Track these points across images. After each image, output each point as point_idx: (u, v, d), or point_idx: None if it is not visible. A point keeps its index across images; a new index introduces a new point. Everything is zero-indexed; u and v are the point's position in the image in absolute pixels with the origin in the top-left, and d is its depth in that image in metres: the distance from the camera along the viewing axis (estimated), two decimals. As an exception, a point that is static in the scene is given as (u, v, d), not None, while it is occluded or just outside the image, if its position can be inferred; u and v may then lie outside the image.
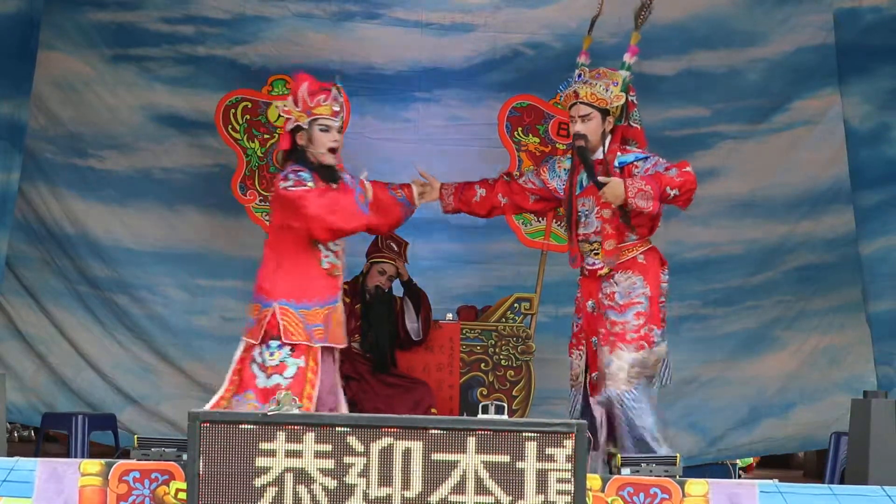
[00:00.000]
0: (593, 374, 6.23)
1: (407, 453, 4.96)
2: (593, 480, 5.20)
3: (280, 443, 4.97)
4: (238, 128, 7.71)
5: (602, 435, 6.12)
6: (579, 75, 6.24)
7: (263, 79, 7.84)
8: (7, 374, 7.81)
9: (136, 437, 5.47)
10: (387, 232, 7.06)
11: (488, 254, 8.37)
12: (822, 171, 8.24)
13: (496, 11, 8.19)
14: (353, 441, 4.98)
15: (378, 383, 7.41)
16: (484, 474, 4.95)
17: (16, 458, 5.43)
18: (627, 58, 6.30)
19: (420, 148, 8.37)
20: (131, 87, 8.29)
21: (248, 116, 7.71)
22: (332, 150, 6.14)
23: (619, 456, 5.74)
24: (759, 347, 8.42)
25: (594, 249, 6.25)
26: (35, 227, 8.31)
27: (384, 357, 7.48)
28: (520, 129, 7.78)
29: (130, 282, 8.39)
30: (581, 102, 6.19)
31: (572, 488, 4.92)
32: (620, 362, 6.09)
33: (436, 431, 4.97)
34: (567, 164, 6.39)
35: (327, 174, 6.15)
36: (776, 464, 9.23)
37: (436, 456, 4.95)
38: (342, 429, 4.98)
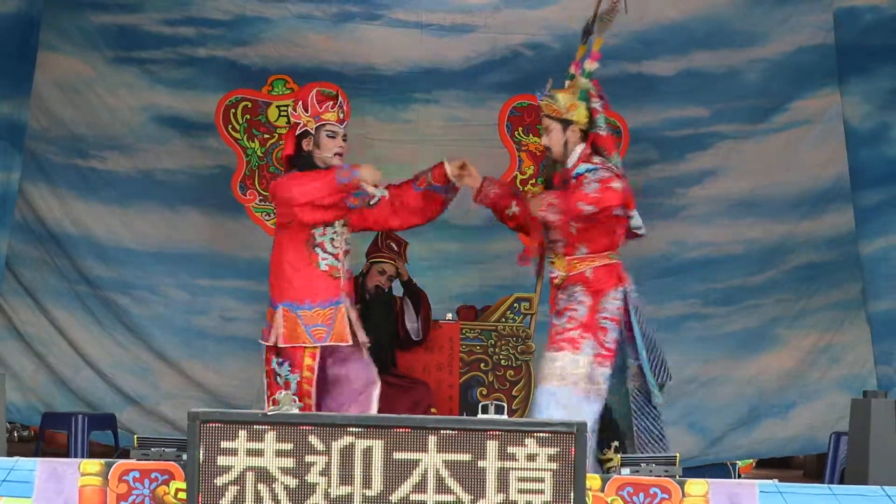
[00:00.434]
0: None
1: (368, 452, 4.96)
2: (593, 480, 5.20)
3: (241, 441, 4.97)
4: (238, 128, 7.72)
5: None
6: (543, 90, 6.28)
7: (264, 80, 7.85)
8: (6, 374, 7.83)
9: (135, 437, 5.47)
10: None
11: (488, 254, 8.37)
12: (822, 171, 8.24)
13: (496, 12, 8.20)
14: (314, 440, 4.98)
15: (378, 383, 7.41)
16: (445, 473, 4.95)
17: (16, 458, 5.43)
18: (588, 64, 6.26)
19: (420, 148, 8.38)
20: (133, 88, 8.31)
21: (248, 116, 7.71)
22: (339, 155, 6.30)
23: (618, 457, 5.75)
24: (759, 346, 8.42)
25: (552, 259, 6.26)
26: (35, 227, 8.32)
27: (384, 357, 7.48)
28: (520, 129, 7.79)
29: (131, 282, 8.40)
30: (544, 115, 6.23)
31: (538, 487, 4.94)
32: (543, 362, 6.12)
33: (397, 430, 4.96)
34: None
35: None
36: (776, 464, 9.22)
37: (397, 455, 4.96)
38: (303, 427, 4.98)
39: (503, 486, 4.94)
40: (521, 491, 4.94)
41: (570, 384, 6.00)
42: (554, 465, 4.94)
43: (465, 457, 4.95)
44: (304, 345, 6.21)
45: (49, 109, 8.25)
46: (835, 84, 7.38)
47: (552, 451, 4.93)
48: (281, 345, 6.20)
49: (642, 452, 5.94)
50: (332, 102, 6.30)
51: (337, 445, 4.96)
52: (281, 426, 4.98)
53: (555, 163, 6.23)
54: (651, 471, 5.35)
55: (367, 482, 4.96)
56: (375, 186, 6.20)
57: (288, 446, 4.97)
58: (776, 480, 5.43)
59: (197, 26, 8.26)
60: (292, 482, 4.97)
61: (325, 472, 4.96)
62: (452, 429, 4.97)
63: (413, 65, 8.34)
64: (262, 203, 7.62)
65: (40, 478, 5.21)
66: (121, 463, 5.23)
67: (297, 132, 6.34)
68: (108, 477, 5.20)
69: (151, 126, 8.38)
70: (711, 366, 8.42)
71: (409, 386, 7.50)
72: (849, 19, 7.00)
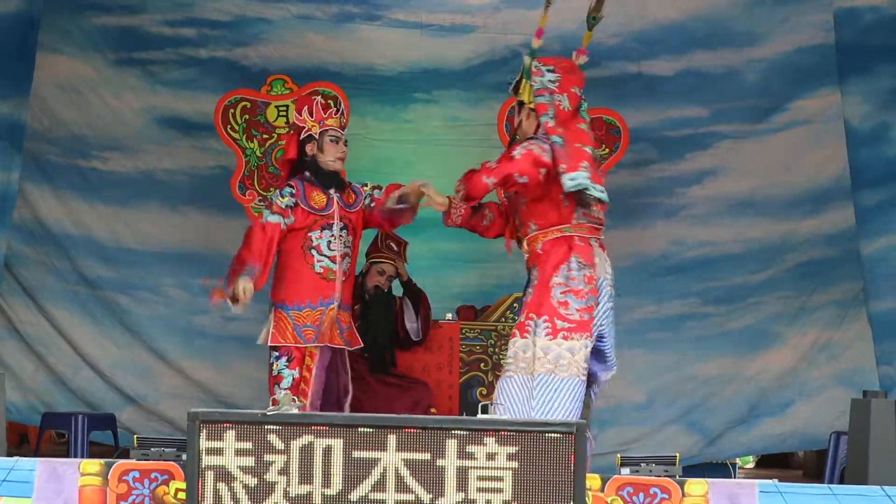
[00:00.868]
0: None
1: (327, 451, 4.97)
2: (593, 480, 5.20)
3: (202, 440, 4.97)
4: (237, 128, 7.72)
5: None
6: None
7: (265, 80, 7.86)
8: (6, 373, 7.83)
9: (135, 436, 5.48)
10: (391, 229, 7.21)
11: (488, 253, 8.35)
12: (822, 170, 8.24)
13: (495, 13, 8.19)
14: (273, 438, 4.98)
15: (377, 383, 7.41)
16: (405, 472, 4.95)
17: (15, 458, 5.43)
18: (534, 42, 6.39)
19: (420, 148, 8.39)
20: (134, 89, 8.32)
21: (247, 116, 7.72)
22: (340, 159, 6.59)
23: (619, 456, 5.75)
24: (759, 344, 8.42)
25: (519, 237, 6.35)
26: (36, 227, 8.32)
27: (383, 357, 7.48)
28: (520, 129, 7.78)
29: (132, 282, 8.41)
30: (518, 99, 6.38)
31: (496, 485, 4.94)
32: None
33: (356, 429, 4.96)
34: None
35: (333, 181, 6.56)
36: (776, 464, 9.23)
37: (357, 454, 4.96)
38: (263, 426, 4.98)
39: (462, 484, 4.94)
40: (480, 490, 4.94)
41: (523, 370, 5.98)
42: (514, 464, 4.94)
43: (425, 456, 4.95)
44: (296, 344, 6.43)
45: (50, 110, 8.26)
46: (834, 84, 7.38)
47: (512, 449, 4.93)
48: (270, 343, 6.44)
49: None
50: (334, 108, 6.58)
51: (296, 444, 4.96)
52: (239, 425, 4.98)
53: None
54: (651, 471, 5.36)
55: (326, 481, 4.96)
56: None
57: (247, 445, 4.97)
58: (776, 480, 5.43)
59: (198, 27, 8.26)
60: (252, 481, 4.98)
61: (285, 470, 4.96)
62: (412, 427, 4.97)
63: (413, 65, 8.34)
64: (262, 203, 7.62)
65: (40, 478, 5.21)
66: (121, 463, 5.24)
67: (302, 137, 6.58)
68: (108, 477, 5.20)
69: (152, 127, 8.38)
70: (711, 364, 8.42)
71: (409, 386, 7.50)
72: (849, 19, 6.99)
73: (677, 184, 8.41)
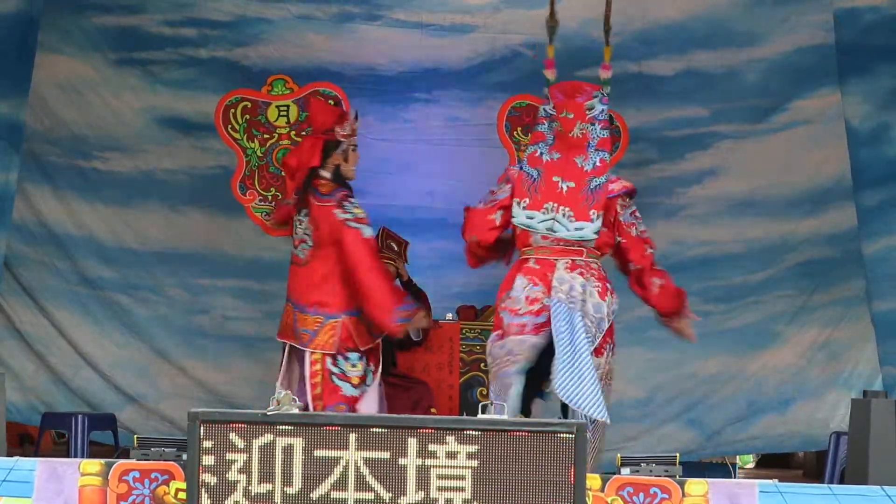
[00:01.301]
0: None
1: (287, 450, 4.96)
2: (593, 480, 5.20)
3: (202, 440, 4.98)
4: (238, 128, 7.72)
5: None
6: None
7: (265, 80, 7.86)
8: (6, 373, 7.83)
9: (135, 436, 5.48)
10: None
11: (487, 253, 8.36)
12: (822, 170, 8.24)
13: (495, 12, 8.19)
14: (234, 437, 4.99)
15: (378, 383, 7.41)
16: (365, 471, 4.97)
17: (16, 458, 5.43)
18: (605, 74, 6.63)
19: (420, 148, 8.39)
20: (135, 89, 8.32)
21: (247, 116, 7.72)
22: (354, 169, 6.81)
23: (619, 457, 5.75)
24: (759, 343, 8.42)
25: None
26: (36, 228, 8.32)
27: (384, 357, 7.47)
28: (519, 128, 7.79)
29: (132, 282, 8.41)
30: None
31: (457, 484, 4.95)
32: None
33: (317, 428, 4.97)
34: None
35: (349, 188, 6.77)
36: (776, 464, 9.23)
37: (318, 452, 4.96)
38: (223, 425, 4.99)
39: (423, 483, 4.95)
40: (441, 489, 4.95)
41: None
42: (474, 463, 4.95)
43: (385, 454, 4.96)
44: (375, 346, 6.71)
45: (51, 110, 8.26)
46: (834, 84, 7.37)
47: (472, 448, 4.94)
48: (362, 349, 6.64)
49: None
50: (353, 117, 6.80)
51: (257, 443, 4.97)
52: (280, 426, 4.99)
53: None
54: (651, 471, 5.35)
55: (287, 480, 4.96)
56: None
57: (208, 444, 4.99)
58: (776, 480, 5.43)
59: (198, 27, 8.26)
60: (212, 480, 5.00)
61: (245, 469, 4.97)
62: (373, 426, 4.98)
63: (413, 65, 8.34)
64: (262, 203, 7.62)
65: (40, 478, 5.22)
66: (121, 463, 5.24)
67: (329, 144, 6.76)
68: (108, 477, 5.21)
69: (153, 127, 8.38)
70: (711, 362, 8.42)
71: (409, 386, 7.49)
72: (849, 19, 6.99)
73: (677, 184, 8.41)
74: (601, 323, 6.25)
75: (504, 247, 6.64)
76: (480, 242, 6.52)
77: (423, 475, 4.96)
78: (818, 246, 8.37)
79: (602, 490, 5.21)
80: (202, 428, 4.96)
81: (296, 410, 5.11)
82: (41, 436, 7.91)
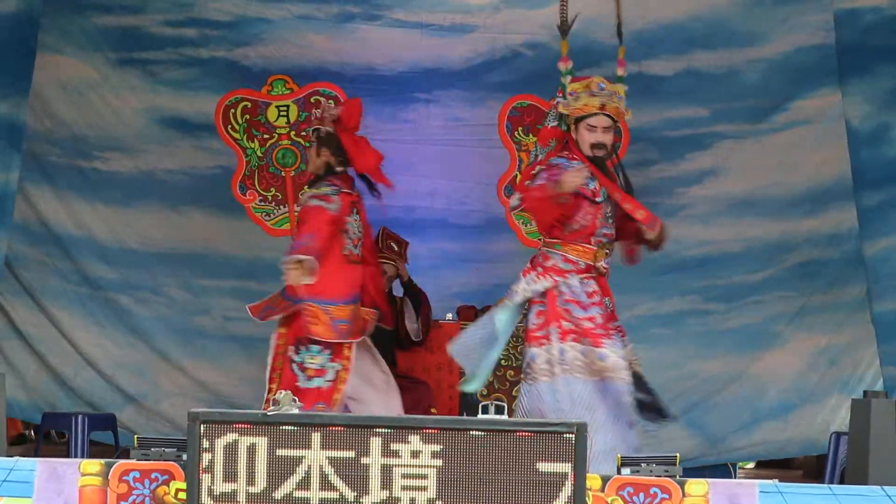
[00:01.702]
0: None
1: (251, 449, 4.97)
2: (593, 480, 5.20)
3: (202, 440, 4.97)
4: (238, 128, 7.72)
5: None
6: (601, 86, 6.42)
7: (265, 80, 7.87)
8: (9, 371, 7.86)
9: (136, 436, 5.48)
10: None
11: (487, 253, 8.37)
12: (822, 170, 8.24)
13: (495, 12, 8.19)
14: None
15: (378, 383, 7.42)
16: (329, 470, 4.96)
17: (16, 458, 5.43)
18: (621, 71, 6.52)
19: (420, 148, 8.39)
20: (135, 89, 8.32)
21: (247, 116, 7.73)
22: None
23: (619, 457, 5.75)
24: (759, 344, 8.42)
25: (608, 251, 6.43)
26: (37, 228, 8.33)
27: (384, 357, 7.47)
28: (520, 128, 7.79)
29: (133, 282, 8.42)
30: (605, 114, 6.39)
31: (420, 483, 4.95)
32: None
33: (280, 427, 4.96)
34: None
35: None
36: (776, 464, 9.22)
37: (280, 451, 4.96)
38: (223, 425, 4.99)
39: (387, 482, 4.95)
40: (404, 488, 4.95)
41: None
42: (438, 462, 4.95)
43: (349, 453, 4.96)
44: (338, 341, 6.64)
45: (51, 111, 8.27)
46: (834, 84, 7.37)
47: (436, 448, 4.94)
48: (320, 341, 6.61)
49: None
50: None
51: (221, 442, 4.97)
52: (280, 426, 4.99)
53: (600, 159, 6.43)
54: (651, 471, 5.35)
55: (250, 479, 4.97)
56: None
57: (209, 444, 4.99)
58: (776, 480, 5.42)
59: (198, 27, 8.27)
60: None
61: (209, 469, 4.98)
62: (336, 425, 4.97)
63: (413, 65, 8.34)
64: (262, 203, 7.63)
65: (40, 478, 5.21)
66: (121, 463, 5.24)
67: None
68: (109, 477, 5.20)
69: (153, 127, 8.39)
70: (712, 363, 8.43)
71: (409, 386, 7.49)
72: (849, 20, 6.99)
73: (678, 184, 8.42)
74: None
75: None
76: None
77: (386, 474, 4.95)
78: (818, 246, 8.37)
79: (602, 490, 5.21)
80: (202, 428, 4.97)
81: (296, 410, 5.11)
82: (41, 435, 7.92)
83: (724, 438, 8.40)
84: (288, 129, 7.70)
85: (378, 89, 8.33)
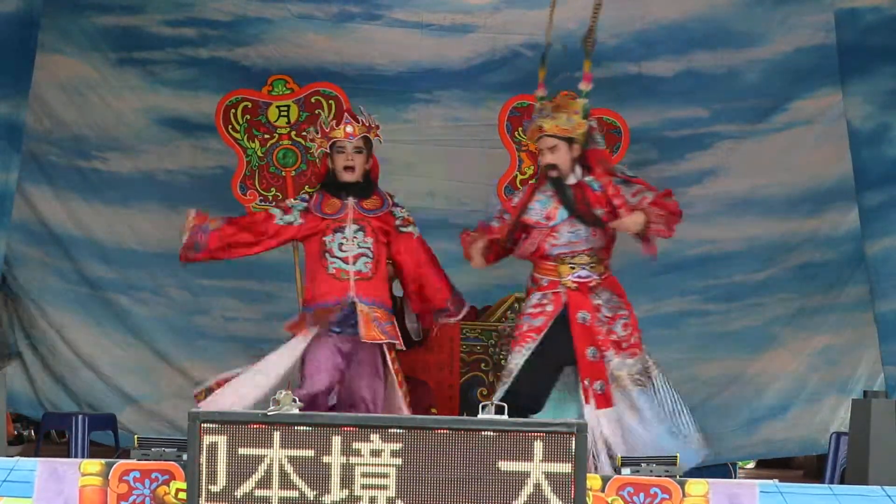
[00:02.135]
0: (596, 383, 6.35)
1: (212, 447, 4.97)
2: (594, 480, 5.20)
3: (202, 440, 4.99)
4: (238, 128, 7.72)
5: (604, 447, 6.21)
6: (541, 110, 6.58)
7: (265, 80, 7.86)
8: (16, 365, 7.88)
9: (136, 437, 5.48)
10: None
11: (488, 254, 8.36)
12: (822, 171, 8.25)
13: (495, 12, 8.18)
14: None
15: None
16: (289, 468, 4.96)
17: (16, 458, 5.44)
18: (584, 86, 6.56)
19: (420, 149, 8.39)
20: (135, 89, 8.32)
21: (248, 116, 7.72)
22: (347, 169, 6.68)
23: (619, 457, 5.75)
24: (759, 345, 8.43)
25: (574, 265, 6.48)
26: (37, 228, 8.33)
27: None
28: (520, 129, 7.78)
29: (133, 282, 8.42)
30: (547, 135, 6.49)
31: (381, 482, 4.95)
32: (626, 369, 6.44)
33: (241, 426, 4.97)
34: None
35: (348, 189, 6.71)
36: (776, 464, 9.23)
37: (241, 450, 4.96)
38: (223, 426, 5.00)
39: (347, 481, 4.95)
40: (365, 486, 4.96)
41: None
42: (398, 461, 4.95)
43: (309, 452, 4.96)
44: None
45: (51, 111, 8.27)
46: (834, 84, 7.37)
47: (396, 446, 4.94)
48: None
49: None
50: (338, 119, 6.77)
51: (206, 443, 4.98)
52: (280, 426, 4.99)
53: (558, 179, 6.46)
54: (651, 471, 5.35)
55: (211, 478, 4.96)
56: None
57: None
58: (776, 480, 5.43)
59: (198, 27, 8.27)
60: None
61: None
62: (297, 424, 4.97)
63: (413, 65, 8.34)
64: (263, 203, 7.62)
65: (40, 478, 5.22)
66: (121, 463, 5.24)
67: (317, 155, 6.86)
68: (109, 477, 5.21)
69: (153, 127, 8.39)
70: (712, 364, 8.43)
71: (409, 386, 7.48)
72: (849, 20, 6.98)
73: (678, 184, 8.36)
74: None
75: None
76: None
77: (347, 473, 4.95)
78: (819, 247, 8.38)
79: (602, 490, 5.21)
80: (202, 428, 4.97)
81: (295, 411, 5.11)
82: (41, 435, 7.92)
83: (723, 438, 8.39)
84: (288, 129, 7.69)
85: (378, 89, 8.32)
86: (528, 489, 4.94)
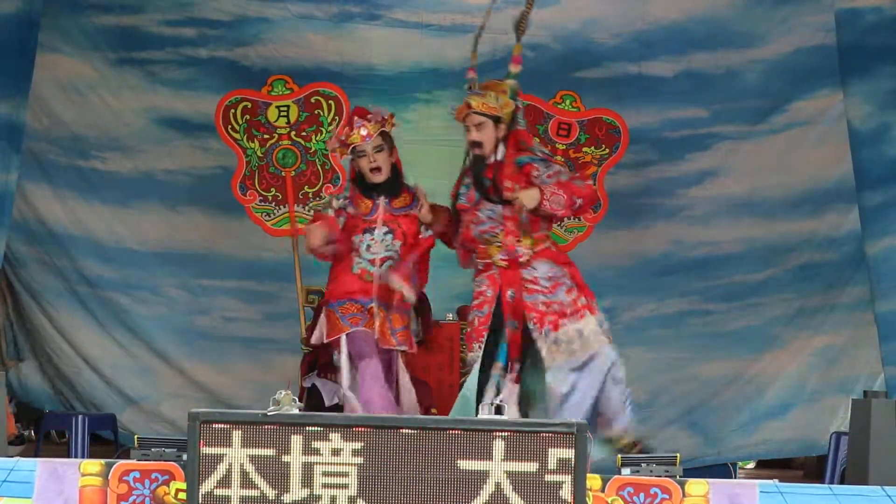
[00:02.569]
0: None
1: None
2: (594, 480, 5.20)
3: (202, 440, 4.99)
4: (238, 128, 7.72)
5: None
6: (469, 88, 6.62)
7: (265, 80, 7.86)
8: (24, 359, 7.90)
9: (136, 437, 5.48)
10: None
11: (488, 253, 8.36)
12: (822, 171, 8.25)
13: (495, 12, 8.17)
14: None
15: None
16: (250, 468, 4.96)
17: (16, 458, 5.43)
18: (513, 67, 6.61)
19: (420, 149, 8.38)
20: (134, 89, 8.33)
21: (247, 116, 7.72)
22: (376, 170, 6.60)
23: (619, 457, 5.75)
24: (759, 345, 8.43)
25: (501, 243, 6.52)
26: (36, 227, 8.33)
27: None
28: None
29: (132, 282, 8.42)
30: (474, 112, 6.51)
31: (341, 481, 4.95)
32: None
33: (202, 425, 4.96)
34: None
35: (385, 189, 6.66)
36: (776, 464, 9.23)
37: (204, 450, 4.95)
38: (223, 426, 4.99)
39: (307, 480, 4.94)
40: (325, 486, 4.95)
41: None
42: (359, 460, 4.94)
43: (270, 451, 4.95)
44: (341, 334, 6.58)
45: (50, 110, 8.27)
46: (834, 84, 7.38)
47: (357, 445, 4.93)
48: (327, 340, 6.56)
49: None
50: (349, 127, 6.68)
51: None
52: (242, 425, 4.99)
53: (479, 157, 6.51)
54: (651, 471, 5.35)
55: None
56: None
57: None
58: (776, 480, 5.43)
59: (198, 27, 8.27)
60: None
61: None
62: (257, 423, 4.97)
63: (413, 65, 8.35)
64: (262, 203, 7.63)
65: (40, 478, 5.22)
66: (121, 463, 5.24)
67: (342, 161, 6.91)
68: (109, 477, 5.21)
69: (153, 127, 8.40)
70: (712, 364, 8.43)
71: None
72: (850, 20, 6.98)
73: (677, 184, 8.42)
74: None
75: None
76: None
77: (307, 472, 4.95)
78: (819, 248, 8.38)
79: (602, 490, 5.21)
80: (202, 428, 4.96)
81: (295, 411, 5.11)
82: (40, 435, 7.92)
83: (724, 438, 8.41)
84: (288, 130, 7.69)
85: (378, 89, 8.33)
86: (488, 488, 4.94)
